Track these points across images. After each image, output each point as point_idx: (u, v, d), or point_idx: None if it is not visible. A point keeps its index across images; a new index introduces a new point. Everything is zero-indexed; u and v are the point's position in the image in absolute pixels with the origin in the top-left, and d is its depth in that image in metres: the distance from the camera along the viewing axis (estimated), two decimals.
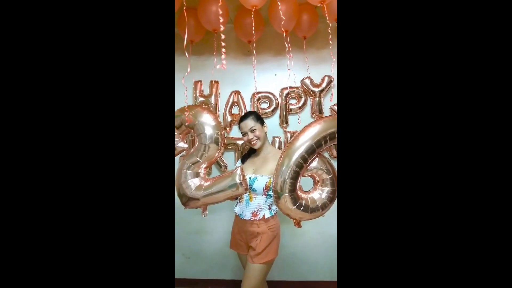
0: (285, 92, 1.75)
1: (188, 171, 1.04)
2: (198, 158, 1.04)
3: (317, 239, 1.78)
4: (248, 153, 1.33)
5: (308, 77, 1.71)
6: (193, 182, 1.03)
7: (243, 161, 1.31)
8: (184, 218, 1.73)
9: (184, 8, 0.96)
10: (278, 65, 1.77)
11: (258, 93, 1.72)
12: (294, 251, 1.79)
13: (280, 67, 1.77)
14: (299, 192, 0.96)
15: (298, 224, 1.03)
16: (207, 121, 1.05)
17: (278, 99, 1.77)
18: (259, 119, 1.23)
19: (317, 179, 1.00)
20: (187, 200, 1.02)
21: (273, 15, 1.38)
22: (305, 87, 1.73)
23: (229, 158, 1.79)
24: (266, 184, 1.15)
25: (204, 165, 1.06)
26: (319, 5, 1.22)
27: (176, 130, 1.11)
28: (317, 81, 1.72)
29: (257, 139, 1.20)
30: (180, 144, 1.14)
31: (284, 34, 1.21)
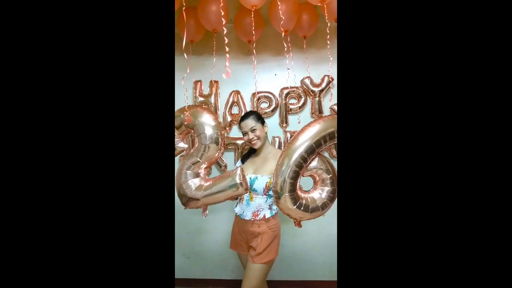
0: (285, 92, 1.75)
1: (188, 171, 1.04)
2: (198, 158, 1.05)
3: (317, 238, 1.78)
4: (248, 153, 1.33)
5: (308, 77, 1.71)
6: (193, 182, 1.03)
7: (243, 161, 1.31)
8: (184, 218, 1.73)
9: (184, 8, 0.96)
10: (278, 65, 1.77)
11: (258, 93, 1.72)
12: (294, 250, 1.79)
13: (280, 67, 1.77)
14: (299, 192, 0.96)
15: (298, 224, 1.03)
16: (207, 121, 1.05)
17: (278, 99, 1.77)
18: (260, 119, 1.23)
19: (317, 178, 1.00)
20: (187, 200, 1.02)
21: (273, 14, 1.38)
22: (305, 87, 1.73)
23: (229, 158, 1.79)
24: (266, 184, 1.15)
25: (204, 165, 1.06)
26: (319, 4, 1.22)
27: (176, 130, 1.11)
28: (317, 81, 1.72)
29: (257, 139, 1.20)
30: (180, 144, 1.15)
31: (283, 34, 1.21)
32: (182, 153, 1.17)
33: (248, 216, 1.20)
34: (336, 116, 0.99)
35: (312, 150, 0.91)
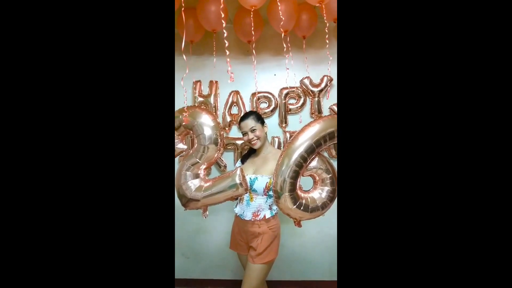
0: (285, 92, 1.75)
1: (188, 172, 1.04)
2: (197, 159, 1.04)
3: (317, 238, 1.78)
4: (248, 153, 1.33)
5: (307, 77, 1.71)
6: (193, 183, 1.03)
7: (243, 161, 1.31)
8: (184, 218, 1.72)
9: (182, 9, 0.96)
10: (277, 65, 1.77)
11: (257, 93, 1.72)
12: (293, 250, 1.79)
13: (279, 67, 1.77)
14: (299, 192, 0.96)
15: (298, 223, 1.03)
16: (206, 122, 1.05)
17: (277, 99, 1.77)
18: (260, 119, 1.23)
19: (317, 178, 1.00)
20: (187, 201, 1.02)
21: (272, 15, 1.38)
22: (304, 87, 1.73)
23: (228, 158, 1.79)
24: (266, 184, 1.15)
25: (203, 166, 1.06)
26: (318, 5, 1.22)
27: (175, 131, 1.11)
28: (316, 81, 1.72)
29: (257, 139, 1.20)
30: (180, 145, 1.14)
31: (283, 34, 1.21)
32: (182, 154, 1.17)
33: (248, 216, 1.20)
34: (335, 116, 0.99)
35: (312, 150, 0.91)
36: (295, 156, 0.91)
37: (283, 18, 1.18)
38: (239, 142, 1.74)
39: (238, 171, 0.99)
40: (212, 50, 1.54)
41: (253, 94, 1.76)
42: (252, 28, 1.20)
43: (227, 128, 1.78)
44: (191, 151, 1.08)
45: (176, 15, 1.34)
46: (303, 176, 0.97)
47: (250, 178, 1.18)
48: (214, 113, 1.65)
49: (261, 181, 1.16)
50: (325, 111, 1.75)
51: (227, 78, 1.79)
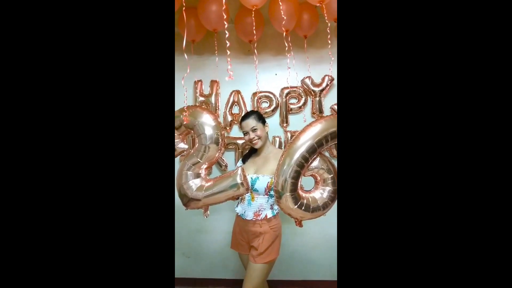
0: (286, 91, 1.75)
1: (189, 172, 1.04)
2: (198, 159, 1.04)
3: (318, 238, 1.78)
4: (249, 153, 1.33)
5: (309, 77, 1.70)
6: (194, 183, 1.03)
7: (244, 161, 1.31)
8: (184, 217, 1.72)
9: (183, 9, 0.96)
10: (278, 65, 1.77)
11: (258, 92, 1.72)
12: (294, 250, 1.79)
13: (281, 66, 1.76)
14: (300, 192, 0.96)
15: (299, 223, 1.03)
16: (207, 122, 1.05)
17: (279, 98, 1.77)
18: (261, 118, 1.23)
19: (318, 178, 1.00)
20: (188, 201, 1.02)
21: (273, 14, 1.37)
22: (305, 86, 1.73)
23: (229, 158, 1.79)
24: (268, 184, 1.15)
25: (204, 166, 1.06)
26: (318, 5, 1.22)
27: (176, 131, 1.11)
28: (317, 80, 1.72)
29: (258, 139, 1.20)
30: (180, 145, 1.14)
31: (284, 34, 1.21)
32: (183, 154, 1.16)
33: (249, 216, 1.19)
34: (337, 115, 0.99)
35: (314, 150, 0.91)
36: (297, 156, 0.91)
37: (285, 18, 1.18)
38: (240, 141, 1.74)
39: (239, 171, 0.98)
40: (213, 49, 1.54)
41: (254, 94, 1.76)
42: (254, 28, 1.20)
43: (228, 128, 1.78)
44: (192, 151, 1.07)
45: (177, 14, 1.34)
46: (304, 176, 0.96)
47: (251, 178, 1.17)
48: (215, 113, 1.65)
49: (263, 181, 1.16)
50: (327, 111, 1.74)
51: (232, 77, 1.79)
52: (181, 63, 0.96)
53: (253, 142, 1.20)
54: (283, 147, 1.73)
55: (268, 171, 1.16)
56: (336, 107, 1.72)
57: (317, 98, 1.72)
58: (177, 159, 1.60)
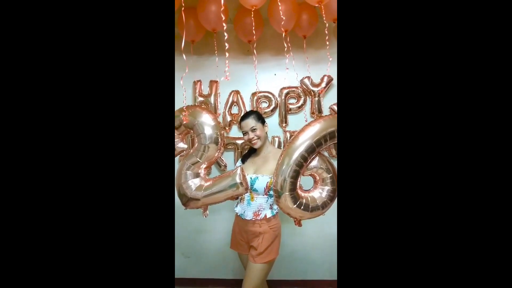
0: (285, 91, 1.75)
1: (188, 172, 1.04)
2: (197, 159, 1.04)
3: (317, 238, 1.78)
4: (249, 153, 1.33)
5: (308, 77, 1.70)
6: (193, 183, 1.03)
7: (243, 161, 1.31)
8: (184, 217, 1.72)
9: (183, 9, 0.96)
10: (277, 65, 1.77)
11: (258, 92, 1.72)
12: (294, 250, 1.79)
13: (280, 66, 1.76)
14: (299, 191, 0.96)
15: (298, 223, 1.03)
16: (206, 121, 1.05)
17: (278, 98, 1.77)
18: (260, 118, 1.23)
19: (317, 178, 1.00)
20: (187, 201, 1.02)
21: (272, 14, 1.38)
22: (304, 86, 1.73)
23: (228, 158, 1.79)
24: (267, 184, 1.15)
25: (204, 166, 1.06)
26: (317, 5, 1.22)
27: (175, 131, 1.11)
28: (316, 80, 1.72)
29: (257, 139, 1.20)
30: (180, 144, 1.14)
31: (283, 34, 1.21)
32: (182, 154, 1.16)
33: (249, 216, 1.19)
34: (336, 115, 0.99)
35: (313, 150, 0.91)
36: (296, 155, 0.91)
37: (284, 18, 1.18)
38: (239, 141, 1.74)
39: (239, 171, 0.98)
40: (213, 49, 1.54)
41: (254, 94, 1.76)
42: (253, 28, 1.20)
43: (227, 128, 1.78)
44: (191, 151, 1.07)
45: (176, 14, 1.34)
46: (303, 175, 0.96)
47: (251, 178, 1.17)
48: (215, 113, 1.65)
49: (262, 181, 1.16)
50: (326, 111, 1.74)
51: (229, 77, 1.79)
52: (181, 63, 0.96)
53: (253, 142, 1.20)
54: (282, 147, 1.73)
55: (267, 171, 1.16)
56: (335, 107, 1.72)
57: (316, 98, 1.72)
58: (176, 159, 1.60)
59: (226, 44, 0.94)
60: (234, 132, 1.79)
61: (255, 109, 1.72)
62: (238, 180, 0.97)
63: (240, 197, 1.24)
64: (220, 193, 0.99)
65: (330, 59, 1.20)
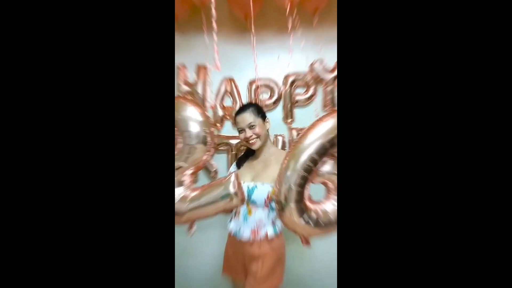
0: (290, 79, 1.76)
1: None
2: (181, 163, 1.05)
3: (330, 261, 1.78)
4: (245, 156, 1.34)
5: (319, 60, 1.69)
6: (176, 193, 1.03)
7: (238, 166, 1.32)
8: None
9: None
10: (281, 46, 1.78)
11: (257, 80, 1.73)
12: (300, 276, 1.80)
13: (284, 48, 1.77)
14: (308, 203, 0.97)
15: (306, 242, 1.04)
16: (192, 116, 1.06)
17: (282, 88, 1.78)
18: (260, 112, 1.24)
19: (330, 186, 1.01)
20: None
21: None
22: (315, 73, 1.73)
23: (220, 162, 1.80)
24: (268, 194, 1.16)
25: (189, 171, 1.07)
26: None
27: None
28: (330, 65, 1.72)
29: (256, 138, 1.21)
30: None
31: (289, 6, 1.22)
32: None
33: (246, 234, 1.20)
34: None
35: (325, 151, 0.92)
36: (303, 158, 0.92)
37: None
38: (234, 141, 1.75)
39: (233, 178, 0.99)
40: (201, 26, 1.54)
41: (252, 82, 1.77)
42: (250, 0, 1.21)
43: (218, 125, 1.79)
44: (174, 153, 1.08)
45: None
46: (313, 183, 0.97)
47: (248, 187, 1.18)
48: (203, 106, 1.66)
49: (262, 190, 1.17)
50: None
51: (220, 62, 1.79)
52: None
53: (250, 141, 1.21)
54: (287, 148, 1.74)
55: (268, 178, 1.17)
56: None
57: (330, 87, 1.73)
58: None
59: (214, 13, 0.94)
60: (228, 129, 1.80)
61: (253, 101, 1.73)
62: (231, 190, 0.98)
63: (234, 210, 1.25)
64: (209, 205, 1.00)
65: None
